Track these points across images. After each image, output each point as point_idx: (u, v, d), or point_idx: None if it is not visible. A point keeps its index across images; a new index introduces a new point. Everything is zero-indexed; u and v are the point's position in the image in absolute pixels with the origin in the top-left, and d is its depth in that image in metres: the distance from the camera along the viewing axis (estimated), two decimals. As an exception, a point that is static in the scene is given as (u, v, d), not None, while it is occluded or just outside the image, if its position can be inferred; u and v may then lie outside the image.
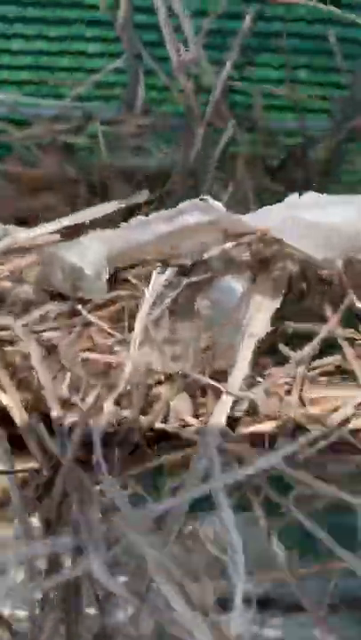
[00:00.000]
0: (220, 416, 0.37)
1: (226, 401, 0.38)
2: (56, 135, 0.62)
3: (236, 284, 0.47)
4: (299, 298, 0.45)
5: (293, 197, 0.39)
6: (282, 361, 0.41)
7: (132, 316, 0.45)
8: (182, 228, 0.41)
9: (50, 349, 0.43)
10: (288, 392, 0.39)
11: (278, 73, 0.63)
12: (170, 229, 0.41)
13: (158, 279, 0.41)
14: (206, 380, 0.40)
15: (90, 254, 0.43)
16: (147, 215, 0.47)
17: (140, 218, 0.42)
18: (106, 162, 0.61)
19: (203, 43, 0.52)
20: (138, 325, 0.41)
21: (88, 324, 0.44)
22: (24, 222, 0.68)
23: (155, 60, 0.57)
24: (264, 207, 0.40)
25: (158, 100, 0.63)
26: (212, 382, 0.39)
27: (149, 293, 0.41)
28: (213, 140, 0.56)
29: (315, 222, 0.39)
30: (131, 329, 0.43)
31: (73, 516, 0.34)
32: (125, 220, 0.58)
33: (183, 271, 0.47)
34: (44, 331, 0.43)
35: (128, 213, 0.58)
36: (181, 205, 0.40)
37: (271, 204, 0.53)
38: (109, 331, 0.44)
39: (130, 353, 0.41)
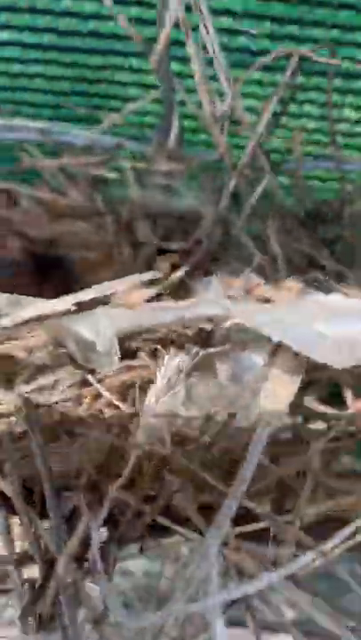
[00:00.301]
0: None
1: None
2: (85, 167, 0.60)
3: (256, 357, 0.46)
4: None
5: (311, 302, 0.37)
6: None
7: (143, 388, 0.44)
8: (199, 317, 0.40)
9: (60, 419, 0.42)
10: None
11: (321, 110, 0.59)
12: (186, 316, 0.40)
13: (171, 362, 0.40)
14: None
15: (102, 328, 0.42)
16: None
17: (159, 304, 0.41)
18: (133, 198, 0.59)
19: (239, 92, 0.49)
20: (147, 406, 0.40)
21: (98, 395, 0.43)
22: (52, 244, 0.67)
23: (187, 93, 0.54)
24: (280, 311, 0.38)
25: (192, 130, 0.61)
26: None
27: (161, 375, 0.40)
28: (247, 188, 0.53)
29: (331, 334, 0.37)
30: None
31: (62, 620, 0.33)
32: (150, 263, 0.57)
33: (201, 340, 0.46)
34: (56, 402, 0.43)
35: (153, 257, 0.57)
36: (201, 301, 0.39)
37: (302, 266, 0.50)
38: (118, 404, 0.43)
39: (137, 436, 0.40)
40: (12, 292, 0.66)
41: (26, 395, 0.40)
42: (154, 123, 0.62)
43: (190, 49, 0.46)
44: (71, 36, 0.55)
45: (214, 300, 0.39)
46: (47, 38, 0.56)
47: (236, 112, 0.50)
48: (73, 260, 0.68)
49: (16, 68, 0.59)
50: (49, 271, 0.67)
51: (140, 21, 0.53)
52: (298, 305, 0.40)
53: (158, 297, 0.50)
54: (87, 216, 0.63)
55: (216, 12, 0.51)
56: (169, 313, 0.40)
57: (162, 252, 0.55)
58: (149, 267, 0.55)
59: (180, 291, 0.51)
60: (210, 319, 0.41)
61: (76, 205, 0.63)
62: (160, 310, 0.41)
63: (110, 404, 0.43)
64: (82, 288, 0.69)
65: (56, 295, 0.67)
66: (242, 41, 0.52)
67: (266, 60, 0.47)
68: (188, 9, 0.47)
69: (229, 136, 0.53)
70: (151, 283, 0.53)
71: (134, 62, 0.57)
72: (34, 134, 0.60)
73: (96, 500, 0.38)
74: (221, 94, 0.49)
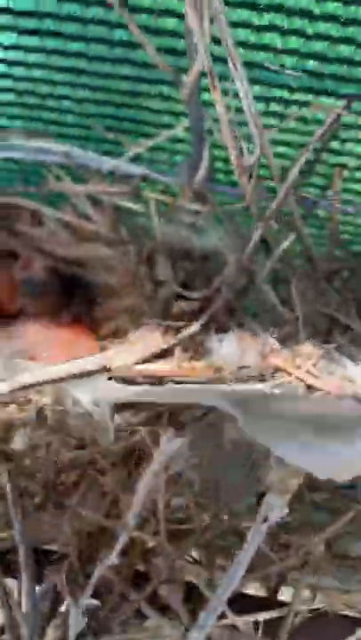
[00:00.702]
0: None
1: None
2: (111, 195, 0.57)
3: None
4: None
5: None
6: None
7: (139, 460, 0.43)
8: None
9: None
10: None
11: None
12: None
13: (169, 445, 0.38)
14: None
15: (100, 398, 0.40)
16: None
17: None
18: (157, 233, 0.56)
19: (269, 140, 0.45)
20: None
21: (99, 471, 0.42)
22: (77, 266, 0.66)
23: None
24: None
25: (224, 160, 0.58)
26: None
27: (158, 458, 0.38)
28: (275, 237, 0.49)
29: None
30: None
31: None
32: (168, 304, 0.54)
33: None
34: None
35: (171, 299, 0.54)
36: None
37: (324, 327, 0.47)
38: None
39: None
40: (37, 313, 0.66)
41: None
42: (185, 151, 0.59)
43: (216, 96, 0.42)
44: (101, 61, 0.52)
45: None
46: (77, 62, 0.53)
47: (267, 159, 0.46)
48: (97, 284, 0.66)
49: (44, 89, 0.56)
50: (74, 292, 0.66)
51: (171, 51, 0.50)
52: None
53: (168, 351, 0.49)
54: (111, 243, 0.61)
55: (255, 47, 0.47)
56: (168, 392, 0.38)
57: (181, 296, 0.52)
58: (167, 308, 0.53)
59: (194, 345, 0.48)
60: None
61: (101, 232, 0.61)
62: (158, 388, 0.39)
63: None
64: (104, 313, 0.68)
65: (79, 318, 0.67)
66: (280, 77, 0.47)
67: (303, 112, 0.43)
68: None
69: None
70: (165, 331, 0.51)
71: (165, 90, 0.54)
72: (58, 157, 0.58)
73: (80, 578, 0.37)
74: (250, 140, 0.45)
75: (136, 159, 0.56)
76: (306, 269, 0.49)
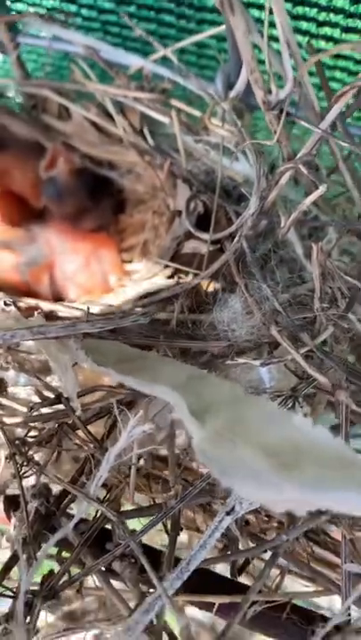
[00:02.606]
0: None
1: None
2: (136, 101, 0.50)
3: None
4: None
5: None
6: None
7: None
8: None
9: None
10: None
11: None
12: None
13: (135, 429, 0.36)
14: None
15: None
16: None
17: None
18: (180, 150, 0.49)
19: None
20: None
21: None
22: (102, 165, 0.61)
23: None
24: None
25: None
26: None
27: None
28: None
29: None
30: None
31: None
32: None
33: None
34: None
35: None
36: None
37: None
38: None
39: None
40: (60, 215, 0.62)
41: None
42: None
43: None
44: None
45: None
46: None
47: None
48: (122, 188, 0.61)
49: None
50: (100, 198, 0.62)
51: None
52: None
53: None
54: (138, 150, 0.55)
55: None
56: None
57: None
58: (178, 245, 0.48)
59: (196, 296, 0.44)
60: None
61: (126, 137, 0.55)
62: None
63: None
64: (129, 225, 0.63)
65: (102, 225, 0.63)
66: None
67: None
68: None
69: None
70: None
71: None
72: (83, 50, 0.50)
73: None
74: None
75: (168, 65, 0.47)
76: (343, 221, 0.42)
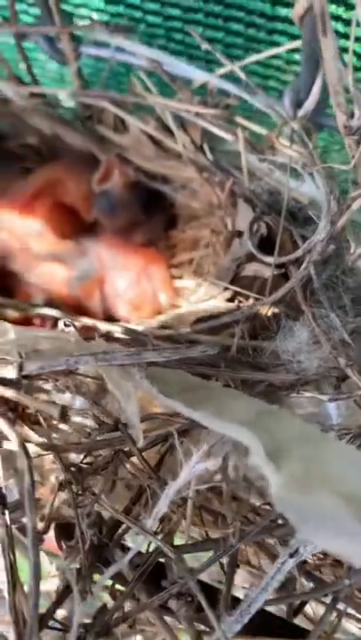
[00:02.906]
0: None
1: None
2: (199, 116, 0.49)
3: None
4: None
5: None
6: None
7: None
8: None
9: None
10: None
11: None
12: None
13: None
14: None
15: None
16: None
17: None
18: (243, 169, 0.48)
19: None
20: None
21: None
22: (157, 179, 0.59)
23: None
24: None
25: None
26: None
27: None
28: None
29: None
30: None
31: None
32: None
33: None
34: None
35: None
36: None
37: None
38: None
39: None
40: (111, 229, 0.61)
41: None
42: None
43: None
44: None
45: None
46: None
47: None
48: (175, 203, 0.60)
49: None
50: (152, 212, 0.60)
51: None
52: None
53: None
54: (196, 166, 0.54)
55: None
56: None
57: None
58: (238, 268, 0.47)
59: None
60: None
61: (185, 153, 0.53)
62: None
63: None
64: (181, 241, 0.62)
65: (154, 240, 0.62)
66: None
67: None
68: None
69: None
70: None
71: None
72: (146, 62, 0.49)
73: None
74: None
75: (234, 78, 0.46)
76: None
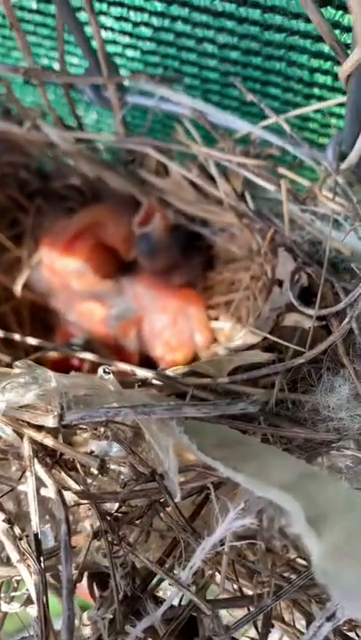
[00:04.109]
0: None
1: None
2: (240, 167, 0.49)
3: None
4: None
5: None
6: None
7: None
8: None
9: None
10: None
11: None
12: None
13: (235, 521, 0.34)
14: None
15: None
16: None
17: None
18: (285, 219, 0.48)
19: None
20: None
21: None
22: (196, 222, 0.60)
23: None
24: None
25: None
26: None
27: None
28: None
29: None
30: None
31: None
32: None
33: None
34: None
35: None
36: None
37: None
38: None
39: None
40: (150, 271, 0.62)
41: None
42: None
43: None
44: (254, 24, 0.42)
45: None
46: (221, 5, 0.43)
47: None
48: (215, 245, 0.60)
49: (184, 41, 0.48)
50: (191, 254, 0.61)
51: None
52: None
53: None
54: (236, 212, 0.54)
55: None
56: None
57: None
58: (278, 319, 0.46)
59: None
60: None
61: (226, 200, 0.54)
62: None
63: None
64: (219, 283, 0.62)
65: (192, 281, 0.62)
66: None
67: None
68: None
69: None
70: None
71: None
72: (189, 111, 0.50)
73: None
74: None
75: (279, 130, 0.47)
76: None
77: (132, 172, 0.61)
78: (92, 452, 0.37)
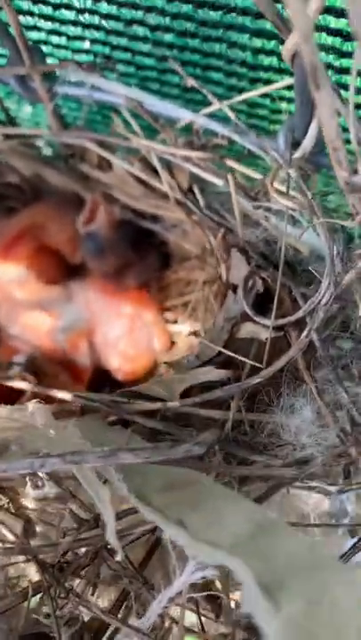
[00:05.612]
0: None
1: None
2: (185, 160, 0.44)
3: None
4: None
5: None
6: None
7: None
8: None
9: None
10: None
11: None
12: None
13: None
14: None
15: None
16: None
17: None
18: (236, 215, 0.43)
19: None
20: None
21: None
22: (145, 218, 0.55)
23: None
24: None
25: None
26: None
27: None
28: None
29: None
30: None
31: None
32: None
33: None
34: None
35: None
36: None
37: None
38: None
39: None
40: (99, 272, 0.57)
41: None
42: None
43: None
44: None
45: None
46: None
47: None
48: (167, 241, 0.55)
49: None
50: (143, 252, 0.56)
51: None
52: None
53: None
54: (185, 209, 0.49)
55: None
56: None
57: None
58: (234, 327, 0.42)
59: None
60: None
61: (172, 194, 0.49)
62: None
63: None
64: (173, 283, 0.57)
65: (145, 283, 0.57)
66: None
67: None
68: None
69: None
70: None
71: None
72: (125, 101, 0.45)
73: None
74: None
75: (226, 119, 0.42)
76: None
77: (73, 168, 0.56)
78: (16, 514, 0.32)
